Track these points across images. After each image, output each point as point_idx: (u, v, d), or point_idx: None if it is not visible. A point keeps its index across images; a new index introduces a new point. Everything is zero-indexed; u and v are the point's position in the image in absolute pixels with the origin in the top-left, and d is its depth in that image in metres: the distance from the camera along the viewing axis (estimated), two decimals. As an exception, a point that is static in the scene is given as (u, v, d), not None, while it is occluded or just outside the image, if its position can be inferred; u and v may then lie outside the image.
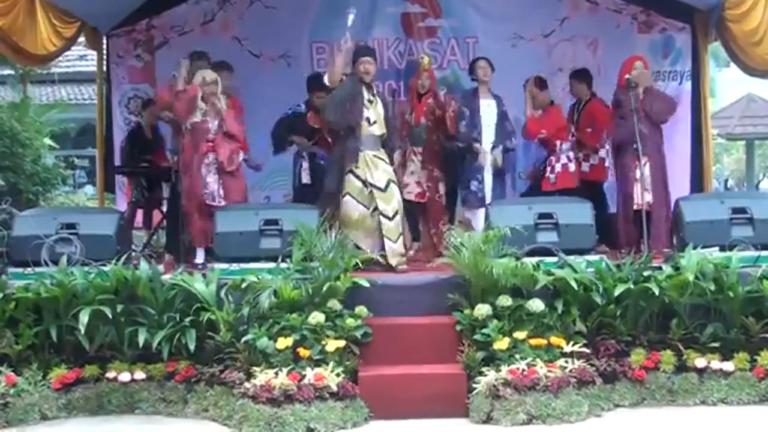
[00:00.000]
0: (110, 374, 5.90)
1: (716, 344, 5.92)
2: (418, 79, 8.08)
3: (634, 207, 7.51)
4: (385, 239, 7.00)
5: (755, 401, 5.72)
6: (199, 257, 7.20)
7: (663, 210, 7.45)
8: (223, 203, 7.21)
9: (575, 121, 8.49)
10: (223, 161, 7.24)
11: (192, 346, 5.82)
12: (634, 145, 7.26)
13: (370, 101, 7.14)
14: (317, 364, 5.61)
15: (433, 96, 7.97)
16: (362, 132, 7.06)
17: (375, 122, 7.12)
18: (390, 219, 7.01)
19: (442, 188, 8.05)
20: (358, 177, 7.04)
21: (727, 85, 18.83)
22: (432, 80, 8.14)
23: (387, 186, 7.05)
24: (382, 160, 7.14)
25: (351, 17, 7.29)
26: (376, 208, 7.03)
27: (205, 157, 7.24)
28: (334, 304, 5.96)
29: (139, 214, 9.25)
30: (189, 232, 7.24)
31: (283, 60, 9.67)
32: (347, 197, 7.04)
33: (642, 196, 7.36)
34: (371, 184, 7.02)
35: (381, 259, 6.83)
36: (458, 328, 5.98)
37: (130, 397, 5.87)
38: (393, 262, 6.96)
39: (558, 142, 8.17)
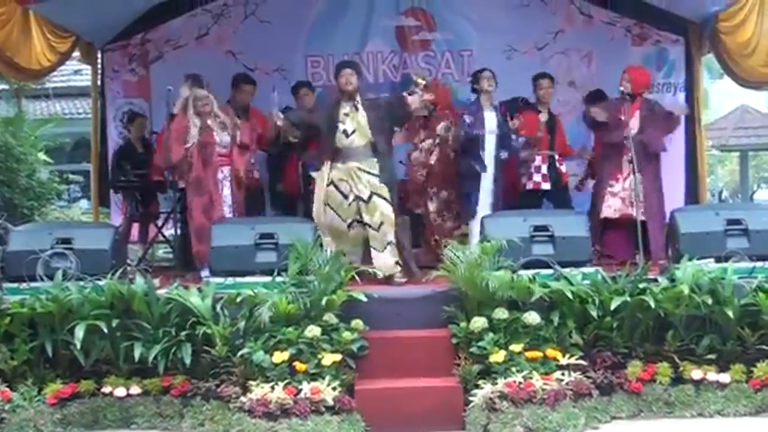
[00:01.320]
0: (106, 389, 5.87)
1: (712, 356, 5.93)
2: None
3: (601, 216, 7.63)
4: (372, 250, 6.99)
5: (752, 413, 5.72)
6: (205, 271, 7.17)
7: (657, 222, 7.46)
8: (236, 215, 7.36)
9: None
10: (241, 175, 7.41)
11: (188, 361, 5.80)
12: (623, 157, 7.27)
13: (347, 114, 7.10)
14: (313, 377, 5.60)
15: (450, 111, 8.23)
16: (341, 145, 7.06)
17: (354, 132, 7.06)
18: (376, 230, 6.98)
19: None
20: (339, 190, 7.04)
21: (721, 96, 18.85)
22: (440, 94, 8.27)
23: (370, 198, 7.00)
24: (366, 171, 7.03)
25: (275, 96, 7.35)
26: (359, 221, 7.03)
27: (218, 171, 7.33)
28: (330, 317, 5.95)
29: (135, 228, 9.23)
30: (200, 249, 7.24)
31: (278, 73, 9.67)
32: (328, 209, 7.06)
33: (624, 208, 7.38)
34: (357, 196, 7.00)
35: (377, 272, 6.81)
36: (454, 341, 5.97)
37: (126, 411, 5.84)
38: (384, 272, 6.90)
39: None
